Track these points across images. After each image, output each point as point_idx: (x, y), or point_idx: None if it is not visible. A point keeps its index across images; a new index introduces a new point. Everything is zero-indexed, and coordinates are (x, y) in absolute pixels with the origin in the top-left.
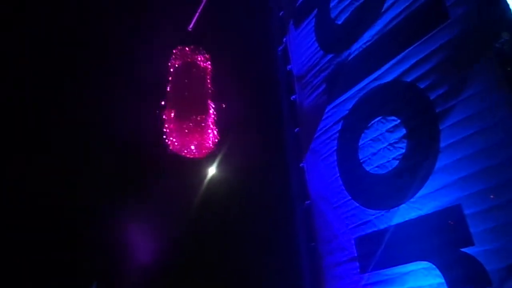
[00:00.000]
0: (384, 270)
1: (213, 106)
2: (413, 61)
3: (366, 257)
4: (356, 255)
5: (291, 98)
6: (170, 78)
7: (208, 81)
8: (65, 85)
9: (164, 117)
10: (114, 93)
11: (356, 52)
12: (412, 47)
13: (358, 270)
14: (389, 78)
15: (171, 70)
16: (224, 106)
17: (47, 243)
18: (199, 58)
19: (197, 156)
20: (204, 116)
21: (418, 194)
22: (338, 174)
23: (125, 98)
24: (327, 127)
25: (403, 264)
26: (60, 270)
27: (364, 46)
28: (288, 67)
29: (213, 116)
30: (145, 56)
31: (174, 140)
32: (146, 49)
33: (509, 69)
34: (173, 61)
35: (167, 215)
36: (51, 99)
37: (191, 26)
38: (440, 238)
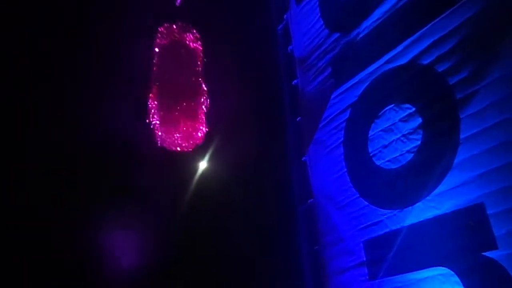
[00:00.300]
0: (396, 276)
1: (204, 92)
2: (430, 41)
3: (376, 262)
4: (364, 259)
5: (293, 83)
6: (155, 61)
7: (199, 63)
8: (36, 78)
9: (148, 105)
10: (92, 82)
11: (366, 31)
12: (429, 25)
13: (367, 276)
14: (403, 60)
15: (156, 51)
16: (210, 89)
17: (32, 244)
18: (188, 38)
19: (186, 148)
20: (193, 104)
21: (435, 192)
22: (345, 169)
23: (105, 87)
24: (333, 115)
25: (418, 270)
26: (47, 270)
27: (375, 24)
28: (289, 48)
29: (204, 103)
30: (127, 38)
31: (160, 131)
32: (128, 29)
33: None
34: (158, 41)
35: (156, 213)
36: (26, 96)
37: (179, 1)
38: (460, 241)
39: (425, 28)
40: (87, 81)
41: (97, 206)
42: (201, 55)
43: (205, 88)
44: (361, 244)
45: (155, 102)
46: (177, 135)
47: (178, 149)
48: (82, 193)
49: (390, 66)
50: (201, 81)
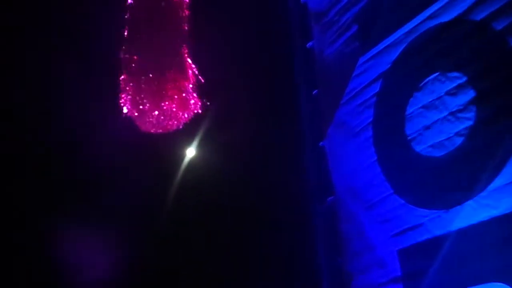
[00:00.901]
0: None
1: (191, 57)
2: None
3: (415, 276)
4: (400, 274)
5: (307, 46)
6: (126, 18)
7: (185, 21)
8: None
9: (120, 79)
10: (48, 43)
11: None
12: None
13: None
14: (450, 15)
15: (129, 4)
16: (200, 53)
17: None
18: None
19: (167, 130)
20: (177, 73)
21: (490, 186)
22: (375, 158)
23: (62, 50)
24: (360, 88)
25: (468, 286)
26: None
27: None
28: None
29: (191, 72)
30: None
31: (133, 107)
32: None
33: None
34: None
35: (134, 211)
36: None
37: None
38: None
39: None
40: (42, 43)
41: (61, 205)
42: (188, 9)
43: (193, 53)
44: (395, 254)
45: (127, 71)
46: (156, 112)
47: (159, 131)
48: (46, 190)
49: (434, 22)
50: (188, 43)
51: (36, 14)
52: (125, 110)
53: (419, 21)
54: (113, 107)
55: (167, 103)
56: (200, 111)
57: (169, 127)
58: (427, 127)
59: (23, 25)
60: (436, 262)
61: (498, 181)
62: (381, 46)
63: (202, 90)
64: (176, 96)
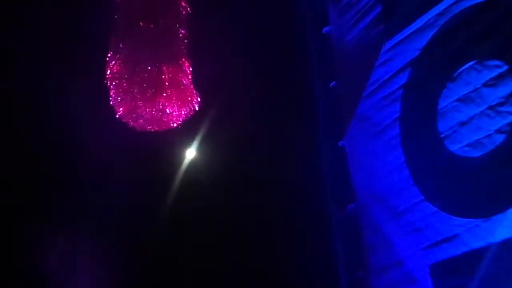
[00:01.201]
0: None
1: (191, 47)
2: None
3: None
4: None
5: (323, 31)
6: (120, 5)
7: (184, 8)
8: None
9: (109, 70)
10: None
11: None
12: None
13: None
14: None
15: None
16: (201, 43)
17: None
18: None
19: (166, 128)
20: (175, 65)
21: None
22: (403, 159)
23: (60, 57)
24: (385, 79)
25: None
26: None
27: None
28: None
29: (190, 64)
30: None
31: (126, 106)
32: None
33: None
34: None
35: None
36: None
37: None
38: None
39: None
40: (36, 40)
41: (59, 205)
42: None
43: (193, 43)
44: (427, 269)
45: (118, 64)
46: (151, 110)
47: (154, 130)
48: (46, 190)
49: (469, 2)
50: (187, 32)
51: (35, 12)
52: (118, 106)
53: (452, 1)
54: (110, 105)
55: (163, 99)
56: (201, 107)
57: (166, 124)
58: (463, 123)
59: (19, 23)
60: (474, 280)
61: None
62: (409, 30)
63: (206, 84)
64: (173, 91)
